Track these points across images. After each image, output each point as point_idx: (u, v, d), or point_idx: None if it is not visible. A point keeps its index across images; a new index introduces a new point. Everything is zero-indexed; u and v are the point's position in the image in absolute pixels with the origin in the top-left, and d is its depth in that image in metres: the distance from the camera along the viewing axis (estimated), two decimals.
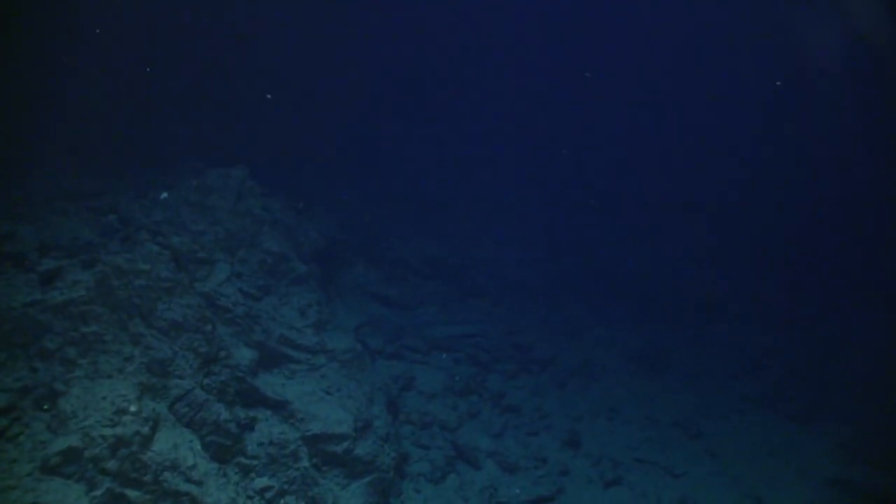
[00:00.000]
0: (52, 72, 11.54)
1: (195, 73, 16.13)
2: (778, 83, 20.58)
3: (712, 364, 14.73)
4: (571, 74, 25.75)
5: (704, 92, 24.65)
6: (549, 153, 23.79)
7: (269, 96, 16.23)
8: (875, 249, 18.37)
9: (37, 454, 6.31)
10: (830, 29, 19.46)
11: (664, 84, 24.82)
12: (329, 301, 11.85)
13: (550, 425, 11.68)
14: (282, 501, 7.81)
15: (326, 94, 20.72)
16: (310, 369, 9.50)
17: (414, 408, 11.15)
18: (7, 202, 9.52)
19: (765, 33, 22.45)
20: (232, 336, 8.90)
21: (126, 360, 7.39)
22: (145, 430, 6.76)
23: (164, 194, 10.58)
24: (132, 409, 6.83)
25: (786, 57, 21.81)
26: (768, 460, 11.30)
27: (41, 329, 7.29)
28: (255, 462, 7.91)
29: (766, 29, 22.32)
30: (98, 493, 6.22)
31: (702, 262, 18.78)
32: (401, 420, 10.77)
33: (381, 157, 20.67)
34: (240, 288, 9.71)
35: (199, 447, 7.24)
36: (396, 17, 23.62)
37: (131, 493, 6.41)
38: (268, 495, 7.73)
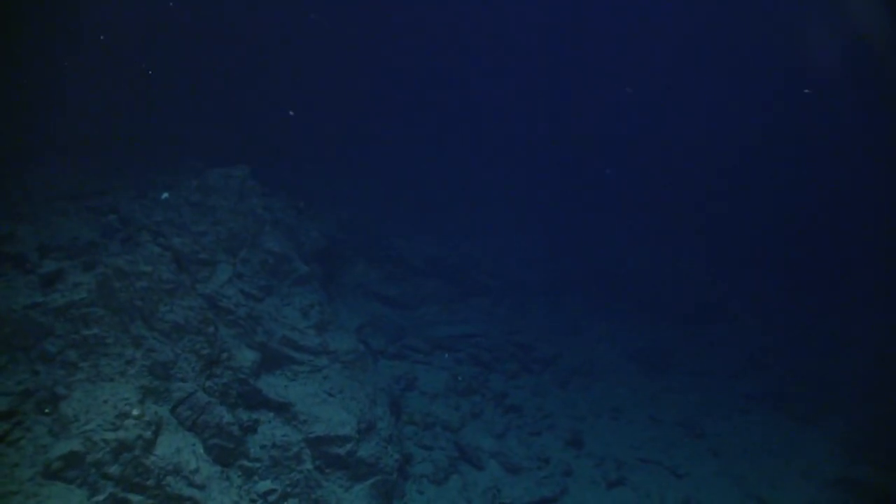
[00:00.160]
0: (52, 72, 11.46)
1: (195, 73, 16.06)
2: (806, 91, 20.52)
3: (713, 363, 14.74)
4: (571, 74, 25.72)
5: (705, 92, 24.64)
6: (549, 153, 23.76)
7: (291, 113, 16.13)
8: (875, 249, 18.39)
9: (38, 459, 6.25)
10: (830, 29, 19.45)
11: (665, 84, 24.79)
12: (330, 301, 11.78)
13: (553, 425, 11.65)
14: None
15: (326, 95, 20.65)
16: (312, 371, 9.44)
17: (416, 408, 11.11)
18: (7, 202, 9.45)
19: (765, 33, 22.44)
20: (234, 338, 8.84)
21: (128, 363, 7.33)
22: (147, 433, 6.70)
23: (165, 194, 10.50)
24: (134, 412, 6.77)
25: (786, 57, 21.81)
26: (771, 460, 11.30)
27: (42, 332, 7.23)
28: (258, 465, 7.86)
29: (767, 29, 22.32)
30: (100, 497, 6.17)
31: (702, 262, 18.79)
32: (403, 421, 10.72)
33: (381, 156, 20.61)
34: (241, 289, 9.64)
35: (201, 451, 7.19)
36: (397, 16, 23.56)
37: (134, 498, 6.35)
38: (271, 499, 7.67)
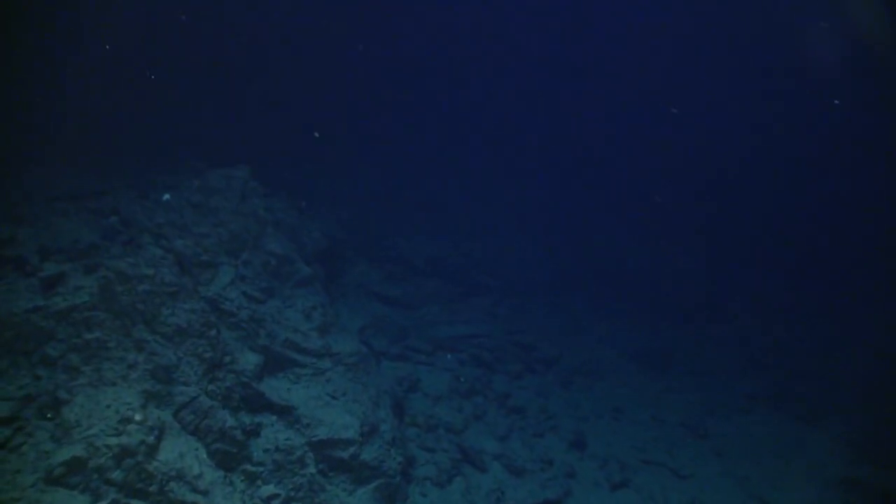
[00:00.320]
0: (52, 72, 11.36)
1: (195, 73, 15.97)
2: (836, 102, 20.56)
3: (715, 363, 14.75)
4: (571, 74, 25.69)
5: (705, 91, 24.63)
6: (549, 153, 23.74)
7: (316, 135, 16.09)
8: (875, 249, 18.42)
9: (40, 464, 6.18)
10: (830, 29, 19.46)
11: (665, 84, 24.78)
12: (332, 302, 11.74)
13: (556, 426, 11.63)
14: None
15: (326, 94, 20.58)
16: (315, 373, 9.39)
17: (419, 410, 11.07)
18: (6, 203, 9.36)
19: (765, 33, 22.44)
20: (236, 341, 8.78)
21: (130, 367, 7.26)
22: (150, 439, 6.64)
23: (167, 196, 10.42)
24: (137, 417, 6.70)
25: (786, 57, 21.80)
26: (773, 460, 11.31)
27: (44, 336, 7.16)
28: (261, 469, 7.80)
29: (767, 29, 22.31)
30: None
31: (702, 262, 18.79)
32: (406, 423, 10.68)
33: (382, 155, 20.55)
34: (244, 291, 9.58)
35: (204, 455, 7.13)
36: (397, 16, 23.48)
37: None
38: (274, 503, 7.63)
